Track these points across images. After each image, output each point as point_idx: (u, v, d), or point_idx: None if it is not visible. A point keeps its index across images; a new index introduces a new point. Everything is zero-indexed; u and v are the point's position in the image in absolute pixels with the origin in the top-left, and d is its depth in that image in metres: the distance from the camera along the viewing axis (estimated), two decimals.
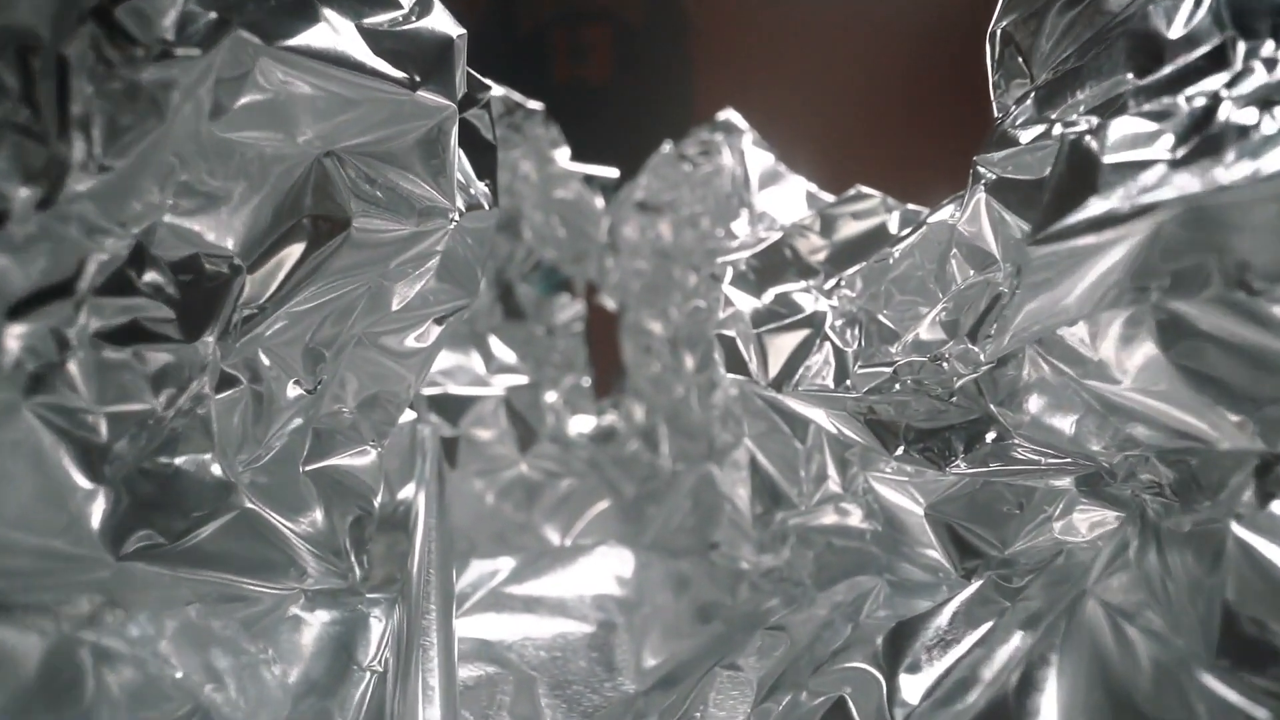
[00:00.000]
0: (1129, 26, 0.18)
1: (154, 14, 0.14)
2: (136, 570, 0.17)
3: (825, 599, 0.26)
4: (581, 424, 0.45)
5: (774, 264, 0.28)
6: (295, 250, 0.18)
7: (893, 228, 0.28)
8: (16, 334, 0.14)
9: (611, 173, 0.45)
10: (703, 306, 0.36)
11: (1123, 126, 0.15)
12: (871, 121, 0.69)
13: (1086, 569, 0.18)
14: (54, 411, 0.15)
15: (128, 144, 0.14)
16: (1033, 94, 0.19)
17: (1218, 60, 0.15)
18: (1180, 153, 0.14)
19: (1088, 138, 0.16)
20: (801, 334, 0.25)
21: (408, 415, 0.26)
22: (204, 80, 0.15)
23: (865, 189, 0.29)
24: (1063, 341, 0.18)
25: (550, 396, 0.44)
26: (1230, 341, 0.15)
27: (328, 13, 0.17)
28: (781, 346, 0.25)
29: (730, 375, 0.27)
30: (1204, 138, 0.14)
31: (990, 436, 0.21)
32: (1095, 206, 0.15)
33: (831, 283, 0.26)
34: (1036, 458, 0.20)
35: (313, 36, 0.16)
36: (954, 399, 0.21)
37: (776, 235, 0.29)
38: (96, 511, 0.16)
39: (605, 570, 0.34)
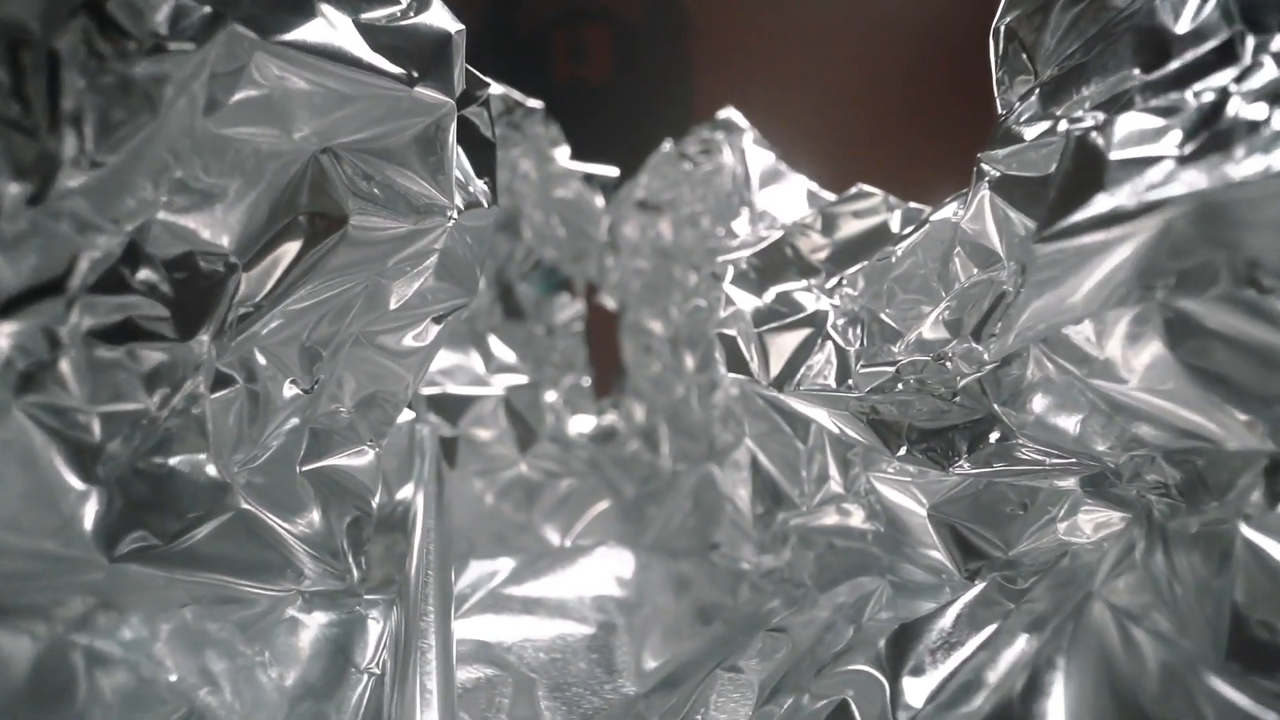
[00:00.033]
0: (1135, 22, 0.17)
1: (147, 7, 0.14)
2: (130, 572, 0.17)
3: (827, 600, 0.26)
4: (581, 424, 0.45)
5: (775, 263, 0.28)
6: (291, 248, 0.18)
7: (894, 226, 0.28)
8: (7, 332, 0.14)
9: (611, 172, 0.45)
10: (703, 306, 0.36)
11: (1129, 122, 0.15)
12: (872, 120, 0.69)
13: (1092, 571, 0.18)
14: (45, 411, 0.15)
15: (120, 139, 0.14)
16: (1037, 90, 0.19)
17: (1226, 55, 0.15)
18: (1188, 149, 0.14)
19: (1094, 134, 0.15)
20: (803, 333, 0.25)
21: (406, 415, 0.26)
22: (198, 75, 0.15)
23: (867, 187, 0.29)
24: (1068, 340, 0.17)
25: (550, 396, 0.44)
26: (1239, 340, 0.15)
27: (324, 7, 0.16)
28: (783, 346, 0.25)
29: (731, 375, 0.26)
30: (1213, 133, 0.14)
31: (994, 436, 0.21)
32: (1102, 203, 0.15)
33: (833, 282, 0.26)
34: (1041, 458, 0.20)
35: (309, 31, 0.16)
36: (957, 399, 0.21)
37: (778, 234, 0.29)
38: (89, 513, 0.16)
39: (605, 571, 0.33)
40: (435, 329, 0.22)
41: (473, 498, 0.40)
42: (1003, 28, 0.21)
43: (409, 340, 0.21)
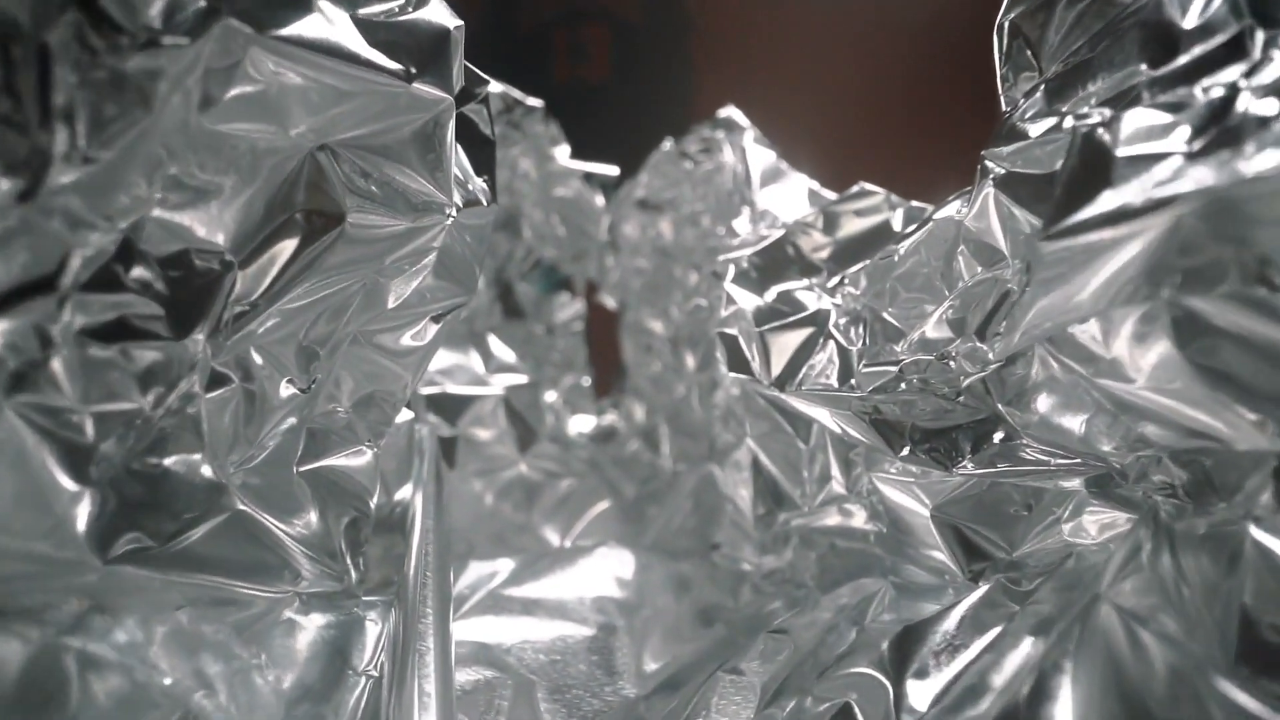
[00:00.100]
0: (1141, 17, 0.17)
1: (140, 1, 0.14)
2: (125, 574, 0.17)
3: (829, 602, 0.26)
4: (581, 424, 0.45)
5: (776, 261, 0.28)
6: (288, 246, 0.18)
7: (896, 225, 0.28)
8: None
9: (611, 170, 0.44)
10: (704, 305, 0.36)
11: (1137, 119, 0.15)
12: (872, 120, 0.68)
13: (1098, 573, 0.18)
14: (37, 411, 0.14)
15: (113, 135, 0.14)
16: (1042, 87, 0.19)
17: (1235, 50, 0.15)
18: (1197, 145, 0.14)
19: (1100, 130, 0.15)
20: (805, 332, 0.25)
21: (405, 415, 0.26)
22: (193, 70, 0.15)
23: (869, 186, 0.29)
24: (1074, 339, 0.17)
25: (550, 396, 0.44)
26: (1248, 338, 0.14)
27: (321, 2, 0.16)
28: (785, 345, 0.25)
29: (732, 374, 0.26)
30: (1222, 129, 0.14)
31: (998, 436, 0.21)
32: (1109, 200, 0.14)
33: (835, 280, 0.26)
34: (1045, 458, 0.20)
35: (306, 26, 0.16)
36: (961, 398, 0.21)
37: (779, 233, 0.29)
38: (82, 514, 0.16)
39: (605, 572, 0.33)
40: (434, 328, 0.22)
41: (472, 498, 0.40)
42: (1006, 24, 0.21)
43: (407, 339, 0.21)
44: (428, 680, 0.20)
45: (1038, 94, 0.19)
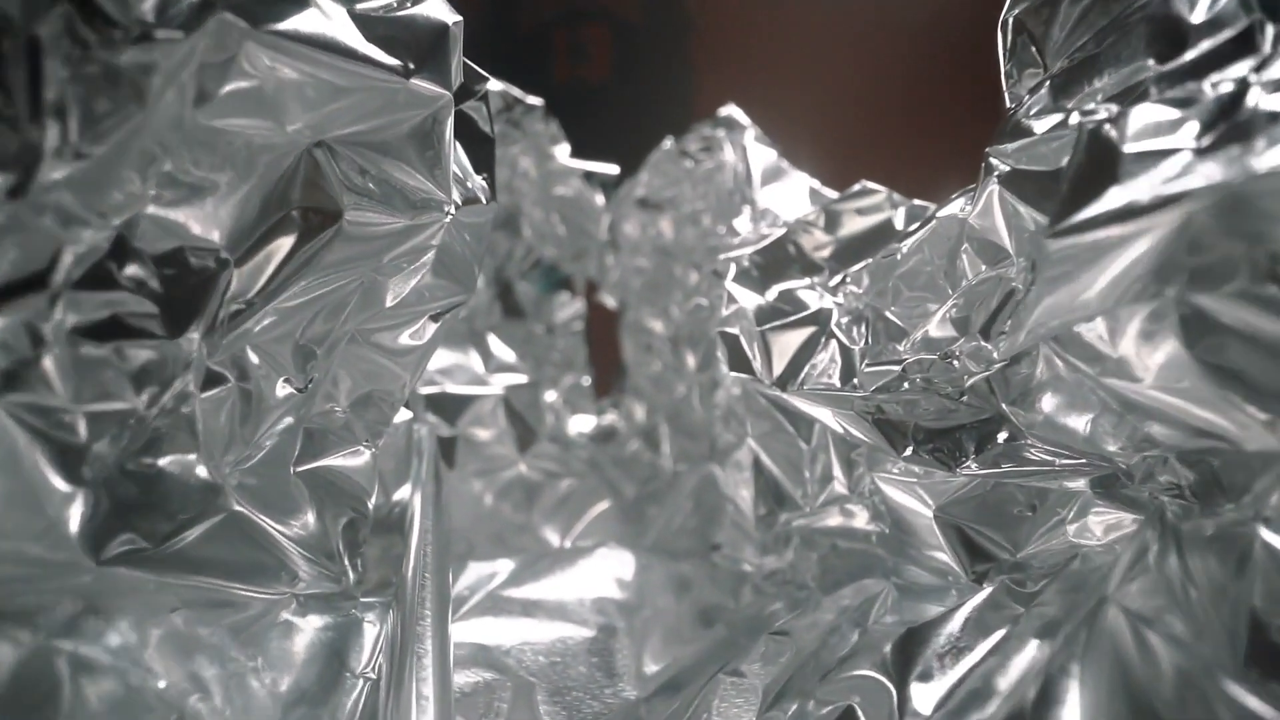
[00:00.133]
0: (1148, 11, 0.17)
1: None
2: (119, 576, 0.16)
3: (831, 603, 0.25)
4: (581, 424, 0.45)
5: (777, 260, 0.28)
6: (285, 243, 0.18)
7: (898, 223, 0.27)
8: None
9: (611, 169, 0.44)
10: (704, 304, 0.35)
11: (1144, 114, 0.15)
12: (873, 120, 0.68)
13: (1105, 575, 0.17)
14: (29, 411, 0.14)
15: (106, 131, 0.14)
16: (1048, 83, 0.19)
17: (1245, 44, 0.15)
18: (1206, 141, 0.14)
19: (1107, 126, 0.15)
20: (807, 331, 0.25)
21: (404, 414, 0.26)
22: (187, 65, 0.14)
23: (870, 184, 0.28)
24: (1080, 338, 0.17)
25: (550, 396, 0.44)
26: (1258, 336, 0.14)
27: None
28: (786, 344, 0.25)
29: (733, 374, 0.26)
30: (1232, 125, 0.14)
31: (1002, 436, 0.21)
32: (1116, 197, 0.14)
33: (837, 279, 0.26)
34: (1050, 459, 0.20)
35: (302, 21, 0.16)
36: (964, 398, 0.21)
37: (780, 231, 0.28)
38: (75, 515, 0.15)
39: (605, 572, 0.33)
40: (432, 327, 0.21)
41: (471, 498, 0.40)
42: (1010, 20, 0.21)
43: (406, 338, 0.21)
44: (426, 682, 0.20)
45: (1043, 90, 0.19)
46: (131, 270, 0.15)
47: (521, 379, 0.42)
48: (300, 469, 0.20)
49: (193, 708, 0.16)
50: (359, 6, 0.17)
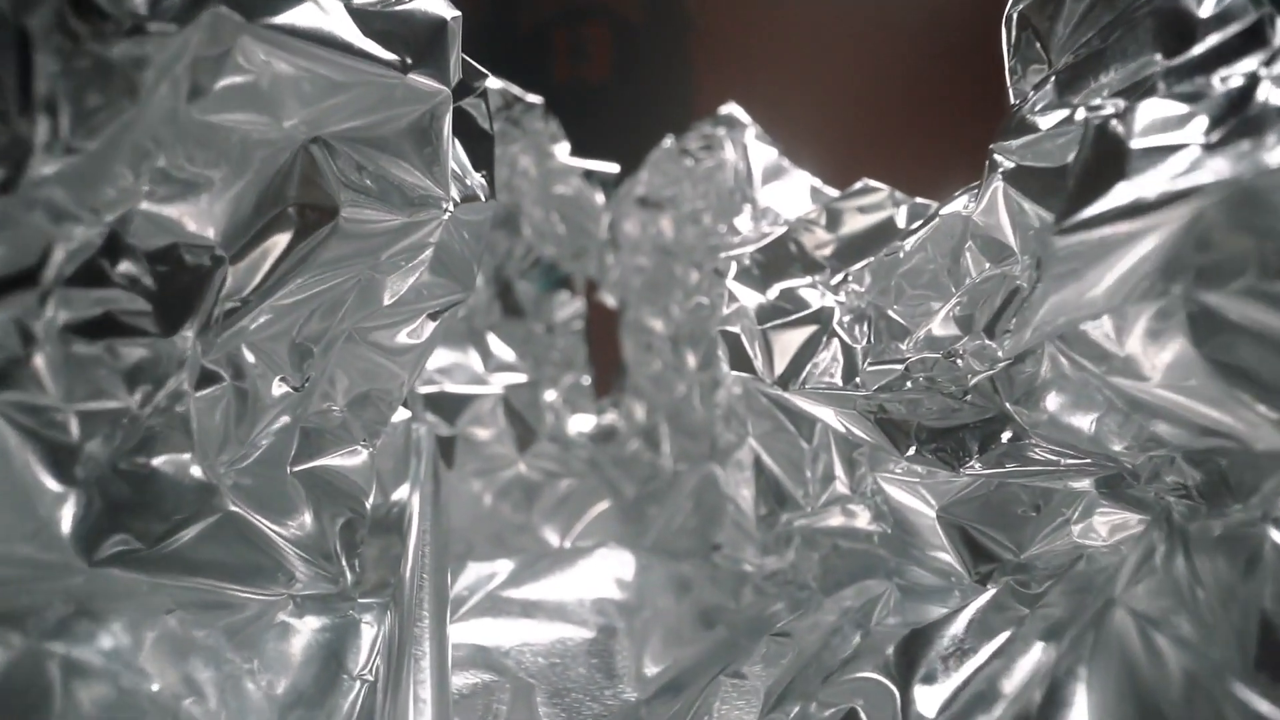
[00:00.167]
0: (1155, 6, 0.17)
1: None
2: (112, 577, 0.16)
3: (832, 604, 0.25)
4: (581, 423, 0.44)
5: (779, 259, 0.28)
6: (281, 240, 0.17)
7: (900, 221, 0.27)
8: None
9: (611, 168, 0.44)
10: (705, 303, 0.35)
11: (1152, 109, 0.15)
12: (874, 118, 0.68)
13: (1111, 576, 0.17)
14: (19, 410, 0.14)
15: (98, 125, 0.13)
16: (1053, 79, 0.19)
17: (1254, 38, 0.15)
18: (1215, 136, 0.14)
19: (1114, 122, 0.15)
20: (808, 330, 0.24)
21: (402, 414, 0.26)
22: (180, 59, 0.14)
23: (872, 182, 0.28)
24: (1086, 336, 0.17)
25: (549, 395, 0.43)
26: (1267, 334, 0.14)
27: None
28: (788, 343, 0.24)
29: (734, 373, 0.26)
30: (1241, 120, 0.14)
31: (1006, 436, 0.20)
32: (1124, 193, 0.14)
33: (839, 278, 0.26)
34: (1055, 458, 0.20)
35: (298, 14, 0.16)
36: (968, 397, 0.20)
37: (781, 230, 0.28)
38: (67, 515, 0.15)
39: (605, 573, 0.33)
40: (431, 325, 0.21)
41: (470, 498, 0.40)
42: (1015, 15, 0.20)
43: (404, 337, 0.21)
44: (424, 684, 0.20)
45: (1048, 86, 0.19)
46: (124, 267, 0.15)
47: (521, 378, 0.42)
48: (297, 469, 0.20)
49: (187, 711, 0.16)
50: (356, 0, 0.17)
